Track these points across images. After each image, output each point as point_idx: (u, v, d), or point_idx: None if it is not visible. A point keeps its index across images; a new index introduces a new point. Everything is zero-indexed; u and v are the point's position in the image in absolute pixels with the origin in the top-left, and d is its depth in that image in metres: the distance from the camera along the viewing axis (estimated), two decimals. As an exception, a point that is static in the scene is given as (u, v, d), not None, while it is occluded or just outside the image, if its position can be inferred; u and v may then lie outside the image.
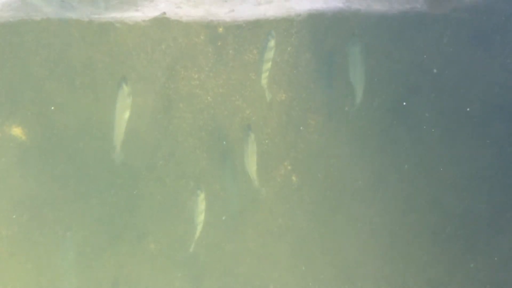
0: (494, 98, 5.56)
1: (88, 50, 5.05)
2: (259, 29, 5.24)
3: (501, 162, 5.60)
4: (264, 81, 5.06)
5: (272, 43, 4.88)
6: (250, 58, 5.29)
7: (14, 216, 5.13)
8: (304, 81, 5.38)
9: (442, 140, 5.58)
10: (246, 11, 5.19)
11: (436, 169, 5.58)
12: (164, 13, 5.03)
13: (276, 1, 5.21)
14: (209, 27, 5.18)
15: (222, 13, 5.14)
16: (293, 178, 5.50)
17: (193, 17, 5.15)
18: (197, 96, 5.32)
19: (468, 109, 5.53)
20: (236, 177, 5.41)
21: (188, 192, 5.37)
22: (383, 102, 5.52)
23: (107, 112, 5.04)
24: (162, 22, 5.11)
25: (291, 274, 5.61)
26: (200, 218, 5.07)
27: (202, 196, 5.03)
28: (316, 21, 5.28)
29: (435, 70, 5.49)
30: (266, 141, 5.41)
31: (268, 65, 4.95)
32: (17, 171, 5.09)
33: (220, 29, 5.19)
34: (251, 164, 5.12)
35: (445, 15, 5.45)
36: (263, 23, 5.23)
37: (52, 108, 5.10)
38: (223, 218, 5.48)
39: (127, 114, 4.79)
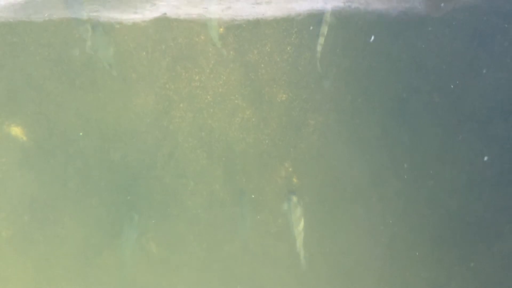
0: (494, 98, 5.55)
1: (88, 50, 5.05)
2: (259, 30, 5.24)
3: (501, 162, 5.59)
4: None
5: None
6: (251, 58, 5.29)
7: (14, 216, 5.13)
8: (304, 81, 5.38)
9: (442, 140, 5.57)
10: (245, 10, 5.18)
11: (436, 169, 5.57)
12: (165, 13, 5.03)
13: (276, 1, 5.21)
14: (210, 28, 5.17)
15: (220, 10, 5.14)
16: (294, 179, 5.49)
17: (193, 17, 5.14)
18: (197, 96, 5.33)
19: (468, 111, 5.53)
20: (236, 177, 5.42)
21: (188, 192, 5.37)
22: (383, 102, 5.51)
23: (107, 112, 5.06)
24: (162, 22, 5.11)
25: (291, 274, 5.60)
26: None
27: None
28: (316, 21, 5.27)
29: (439, 70, 5.49)
30: (266, 141, 5.41)
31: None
32: (17, 171, 5.09)
33: (221, 29, 5.19)
34: None
35: (445, 15, 5.44)
36: (263, 23, 5.22)
37: (52, 108, 5.10)
38: (223, 217, 5.48)
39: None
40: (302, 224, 5.49)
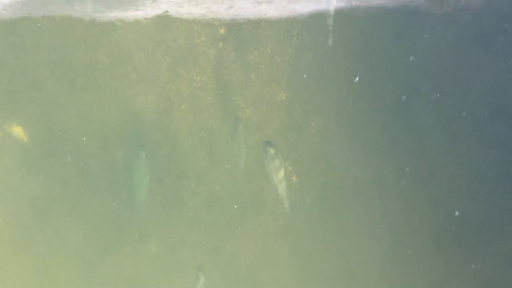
0: (494, 98, 5.56)
1: (89, 50, 5.04)
2: (260, 30, 5.23)
3: (501, 162, 5.60)
4: None
5: None
6: (251, 59, 5.29)
7: (14, 217, 5.13)
8: (304, 81, 5.37)
9: (442, 140, 5.58)
10: (246, 10, 5.17)
11: (436, 169, 5.58)
12: (167, 11, 5.01)
13: (277, 1, 5.20)
14: (211, 28, 5.16)
15: (222, 9, 5.13)
16: (294, 178, 5.50)
17: (194, 16, 5.13)
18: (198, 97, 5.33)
19: (468, 109, 5.53)
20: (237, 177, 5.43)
21: (189, 193, 5.37)
22: (383, 102, 5.52)
23: (108, 113, 5.05)
24: (163, 22, 5.10)
25: (291, 274, 5.62)
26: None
27: None
28: (317, 21, 5.26)
29: (435, 70, 5.49)
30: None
31: None
32: (17, 171, 5.09)
33: (222, 30, 5.18)
34: None
35: (446, 15, 5.44)
36: (264, 23, 5.21)
37: (53, 108, 5.09)
38: (224, 217, 5.49)
39: None
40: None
